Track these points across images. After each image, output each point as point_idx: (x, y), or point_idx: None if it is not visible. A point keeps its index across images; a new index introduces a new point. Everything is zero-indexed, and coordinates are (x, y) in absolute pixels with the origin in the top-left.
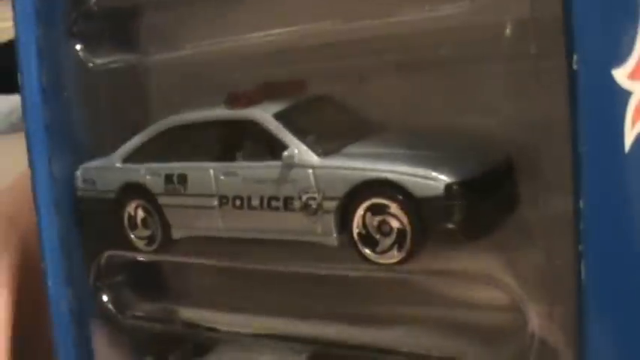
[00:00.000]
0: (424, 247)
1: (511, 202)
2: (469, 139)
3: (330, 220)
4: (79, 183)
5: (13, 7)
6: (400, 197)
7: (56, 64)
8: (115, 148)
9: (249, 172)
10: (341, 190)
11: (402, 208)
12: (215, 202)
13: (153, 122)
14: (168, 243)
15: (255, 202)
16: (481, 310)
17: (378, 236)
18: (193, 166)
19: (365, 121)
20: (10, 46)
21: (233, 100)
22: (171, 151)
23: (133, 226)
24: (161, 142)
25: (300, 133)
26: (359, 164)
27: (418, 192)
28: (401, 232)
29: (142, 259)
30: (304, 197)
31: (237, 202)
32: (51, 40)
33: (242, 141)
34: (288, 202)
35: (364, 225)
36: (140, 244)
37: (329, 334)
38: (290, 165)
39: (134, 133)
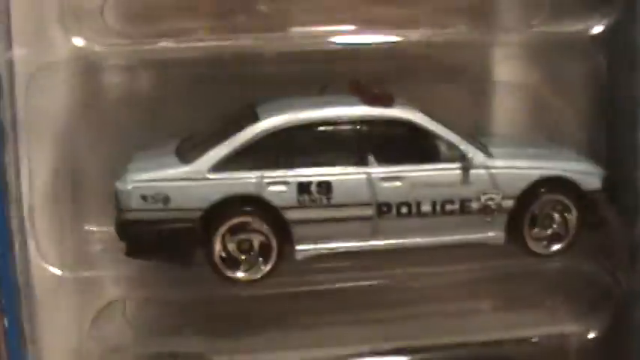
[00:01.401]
0: (580, 235)
1: None
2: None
3: (503, 219)
4: (134, 201)
5: None
6: (572, 192)
7: None
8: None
9: (419, 177)
10: (518, 189)
11: (573, 202)
12: (371, 212)
13: None
14: (279, 267)
15: (427, 208)
16: None
17: (549, 231)
18: (341, 171)
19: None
20: None
21: (373, 99)
22: (292, 154)
23: (227, 250)
24: (271, 145)
25: (461, 135)
26: (531, 163)
27: (584, 186)
28: (566, 223)
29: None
30: (483, 198)
31: (404, 210)
32: None
33: (390, 142)
34: (464, 205)
35: (538, 220)
36: (235, 271)
37: None
38: (468, 166)
39: None
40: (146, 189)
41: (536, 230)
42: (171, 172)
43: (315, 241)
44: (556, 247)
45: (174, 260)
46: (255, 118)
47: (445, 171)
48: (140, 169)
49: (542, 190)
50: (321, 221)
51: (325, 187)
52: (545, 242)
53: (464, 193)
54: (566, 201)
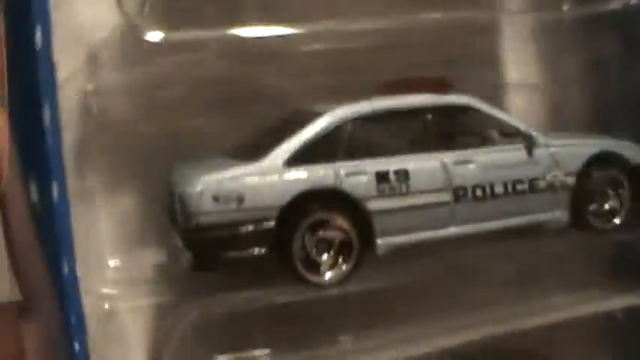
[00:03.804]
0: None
1: None
2: None
3: (566, 197)
4: (206, 204)
5: None
6: (624, 167)
7: None
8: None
9: (488, 159)
10: (577, 166)
11: (625, 177)
12: (448, 197)
13: None
14: (362, 265)
15: (499, 189)
16: None
17: (606, 206)
18: (415, 158)
19: None
20: None
21: (437, 86)
22: (364, 145)
23: (313, 246)
24: (343, 137)
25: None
26: (584, 141)
27: (633, 161)
28: (620, 198)
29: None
30: (549, 176)
31: (479, 192)
32: None
33: (454, 127)
34: (533, 184)
35: (596, 196)
36: (315, 275)
37: None
38: (531, 145)
39: None
40: (218, 189)
41: (594, 206)
42: (242, 169)
43: (395, 233)
44: (614, 222)
45: (247, 265)
46: (317, 115)
47: (512, 151)
48: (201, 171)
49: (597, 166)
50: (402, 210)
51: (403, 174)
52: (603, 218)
53: (531, 172)
54: (619, 176)
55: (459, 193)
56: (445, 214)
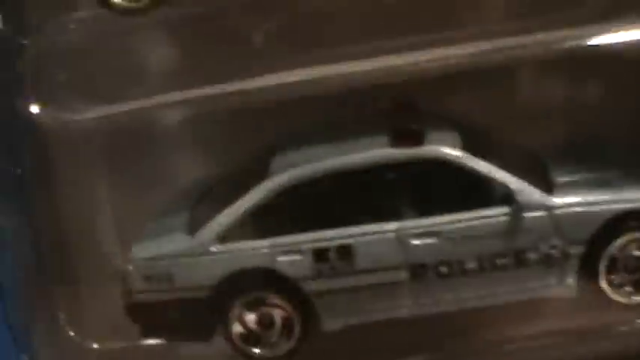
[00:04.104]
0: None
1: None
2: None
3: (573, 268)
4: (139, 283)
5: None
6: None
7: None
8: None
9: (459, 229)
10: (588, 231)
11: None
12: (404, 275)
13: None
14: (308, 340)
15: (472, 265)
16: None
17: (622, 275)
18: (361, 232)
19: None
20: None
21: (400, 137)
22: (307, 215)
23: (246, 328)
24: (283, 206)
25: (507, 169)
26: (604, 195)
27: None
28: None
29: None
30: (543, 247)
31: (443, 270)
32: None
33: (417, 189)
34: (520, 257)
35: (619, 264)
36: (257, 349)
37: None
38: (519, 210)
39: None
40: (151, 267)
41: (616, 276)
42: (174, 246)
43: (342, 313)
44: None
45: (192, 339)
46: (265, 172)
47: (491, 219)
48: (145, 242)
49: (622, 226)
50: (346, 291)
51: (346, 252)
52: (629, 288)
53: (518, 243)
54: None
55: (418, 272)
56: (401, 293)
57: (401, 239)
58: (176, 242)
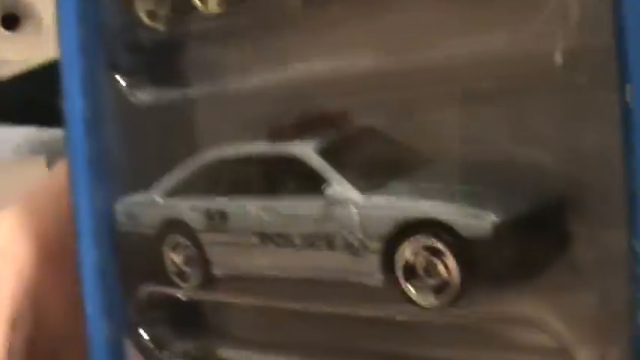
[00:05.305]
0: (471, 289)
1: (562, 240)
2: (518, 174)
3: (375, 260)
4: (121, 217)
5: (59, 38)
6: (448, 237)
7: (99, 98)
8: (158, 182)
9: (290, 209)
10: (386, 230)
11: (449, 249)
12: (256, 240)
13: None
14: (209, 281)
15: (297, 241)
16: (529, 354)
17: (424, 279)
18: (233, 203)
19: (412, 155)
20: (23, 79)
21: (274, 134)
22: (213, 186)
23: (173, 262)
24: (202, 177)
25: (343, 169)
26: (404, 202)
27: (465, 232)
28: (447, 274)
29: (181, 296)
30: (347, 236)
31: (279, 240)
32: (94, 73)
33: (283, 177)
34: (330, 241)
35: (409, 266)
36: (180, 281)
37: None
38: (332, 202)
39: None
40: (126, 208)
41: (409, 275)
42: (139, 197)
43: (222, 262)
44: (440, 297)
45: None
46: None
47: (310, 206)
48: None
49: (412, 233)
50: (224, 244)
51: (224, 215)
52: (426, 291)
53: (329, 230)
54: (440, 246)
55: (264, 239)
56: (256, 254)
57: (256, 212)
58: (142, 196)
